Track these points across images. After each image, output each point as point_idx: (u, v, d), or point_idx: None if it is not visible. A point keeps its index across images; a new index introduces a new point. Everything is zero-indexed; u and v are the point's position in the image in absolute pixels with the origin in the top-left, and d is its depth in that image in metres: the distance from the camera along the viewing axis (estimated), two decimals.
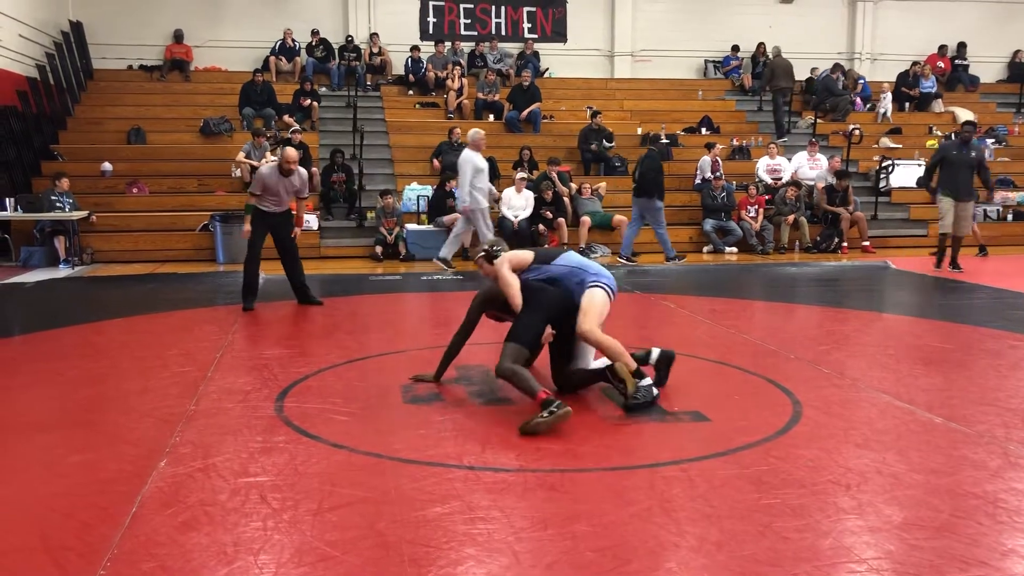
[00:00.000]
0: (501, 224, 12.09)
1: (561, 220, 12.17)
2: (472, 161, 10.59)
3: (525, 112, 15.15)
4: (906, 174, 14.53)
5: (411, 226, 12.25)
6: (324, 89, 15.74)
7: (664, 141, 13.97)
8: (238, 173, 13.10)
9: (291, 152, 7.90)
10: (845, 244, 12.90)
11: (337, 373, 5.50)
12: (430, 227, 12.25)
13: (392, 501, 3.39)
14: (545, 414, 4.17)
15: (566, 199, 12.59)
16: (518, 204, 12.20)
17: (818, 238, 13.01)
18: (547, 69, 17.33)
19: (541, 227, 12.08)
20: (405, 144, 14.53)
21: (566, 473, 3.73)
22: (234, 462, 3.82)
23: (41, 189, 11.71)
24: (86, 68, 15.66)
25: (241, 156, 12.96)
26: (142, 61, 16.05)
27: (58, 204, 11.24)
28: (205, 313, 7.83)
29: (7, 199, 11.09)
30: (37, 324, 7.41)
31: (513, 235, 12.05)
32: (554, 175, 12.65)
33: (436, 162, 13.65)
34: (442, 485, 3.56)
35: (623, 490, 3.50)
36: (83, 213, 11.50)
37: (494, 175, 13.46)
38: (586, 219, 12.30)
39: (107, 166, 13.03)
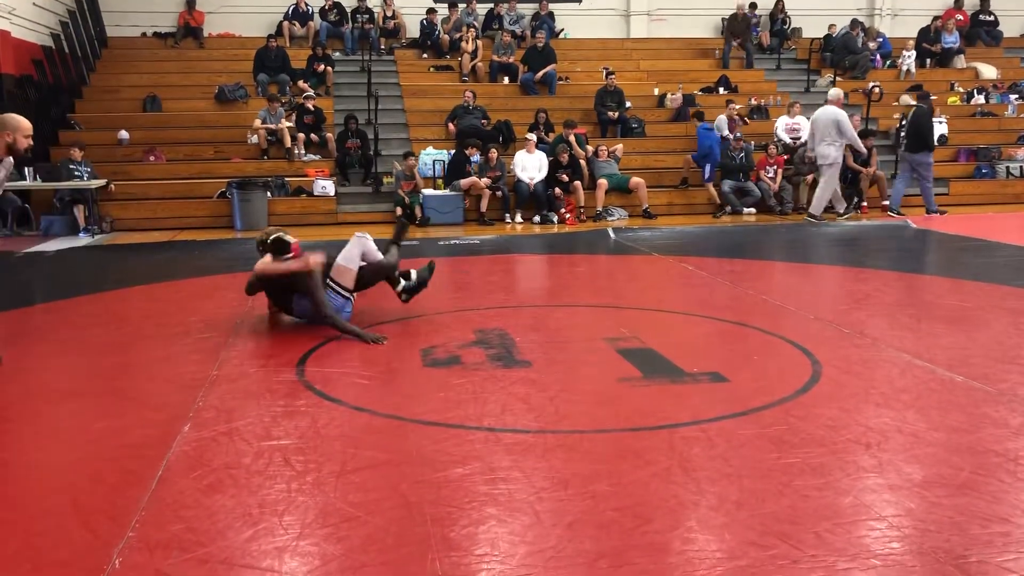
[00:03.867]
0: (516, 187, 12.06)
1: (577, 183, 12.11)
2: (834, 116, 11.42)
3: (540, 74, 15.01)
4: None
5: (428, 191, 12.22)
6: (338, 54, 15.64)
7: (933, 97, 13.76)
8: (254, 139, 13.10)
9: None
10: (864, 204, 12.77)
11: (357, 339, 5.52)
12: (447, 191, 12.22)
13: (413, 463, 3.43)
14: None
15: (582, 162, 12.51)
16: (532, 166, 12.14)
17: None
18: (562, 30, 17.13)
19: (557, 190, 12.02)
20: (420, 108, 14.46)
21: (585, 434, 3.75)
22: (257, 426, 3.87)
23: (59, 158, 11.76)
24: (100, 36, 15.63)
25: (257, 123, 12.95)
26: (156, 28, 15.99)
27: (76, 173, 11.29)
28: (224, 280, 7.87)
29: (26, 168, 11.13)
30: (60, 292, 7.48)
31: (529, 197, 12.03)
32: (571, 138, 12.57)
33: (451, 126, 13.58)
34: (462, 447, 3.59)
35: (642, 450, 3.52)
36: (101, 182, 11.55)
37: (509, 138, 13.42)
38: (603, 182, 12.23)
39: (124, 134, 13.05)
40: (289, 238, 5.59)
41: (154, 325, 6.03)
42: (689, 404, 4.13)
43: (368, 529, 2.87)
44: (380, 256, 5.94)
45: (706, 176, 12.74)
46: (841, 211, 12.11)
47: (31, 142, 4.91)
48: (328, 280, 5.62)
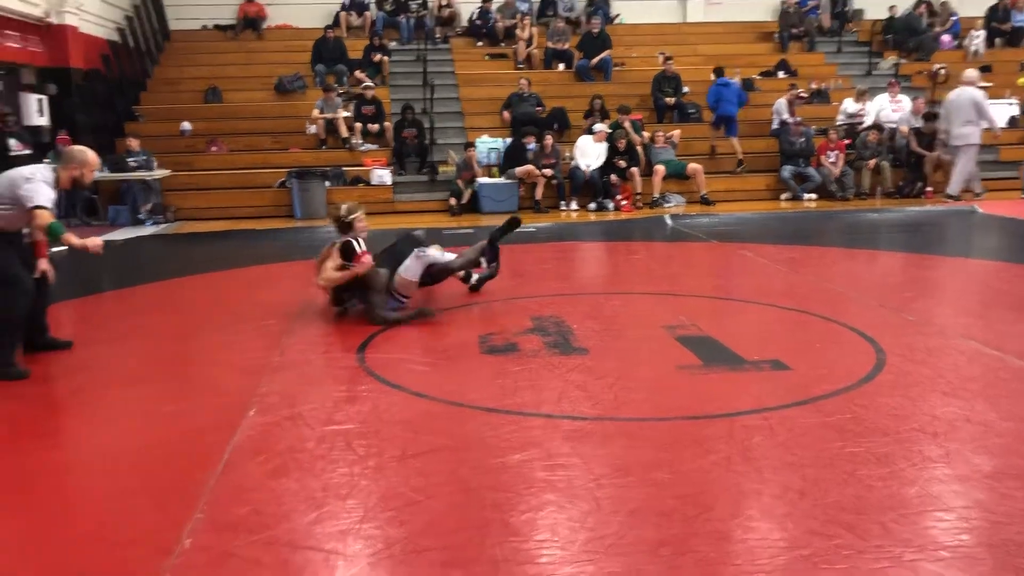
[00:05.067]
0: (573, 174, 12.01)
1: (634, 170, 12.02)
2: (971, 96, 11.49)
3: (596, 60, 14.90)
4: (995, 113, 13.86)
5: (483, 179, 12.24)
6: (394, 43, 15.72)
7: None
8: (313, 129, 13.25)
9: None
10: (929, 188, 12.44)
11: (414, 325, 5.57)
12: (502, 179, 12.22)
13: (473, 448, 3.45)
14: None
15: (639, 148, 12.41)
16: (592, 153, 12.08)
17: (901, 183, 12.59)
18: (618, 15, 16.97)
19: (614, 177, 11.95)
20: (475, 97, 14.46)
21: (644, 422, 3.73)
22: (320, 411, 3.93)
23: (124, 149, 12.04)
24: (163, 29, 15.95)
25: (315, 113, 13.10)
26: (216, 20, 16.25)
27: (133, 164, 11.52)
28: (284, 268, 8.00)
29: None
30: (126, 280, 7.68)
31: (585, 184, 11.99)
32: (627, 124, 12.47)
33: (506, 114, 13.57)
34: (521, 433, 3.60)
35: (703, 439, 3.49)
36: (165, 172, 11.81)
37: (564, 125, 13.37)
38: (660, 168, 12.11)
39: (186, 125, 13.31)
40: (357, 245, 5.59)
41: (217, 312, 6.16)
42: (750, 392, 4.09)
43: (429, 513, 2.90)
44: (444, 259, 5.91)
45: (716, 128, 12.86)
46: (978, 191, 11.93)
47: (96, 176, 4.96)
48: (392, 291, 5.69)
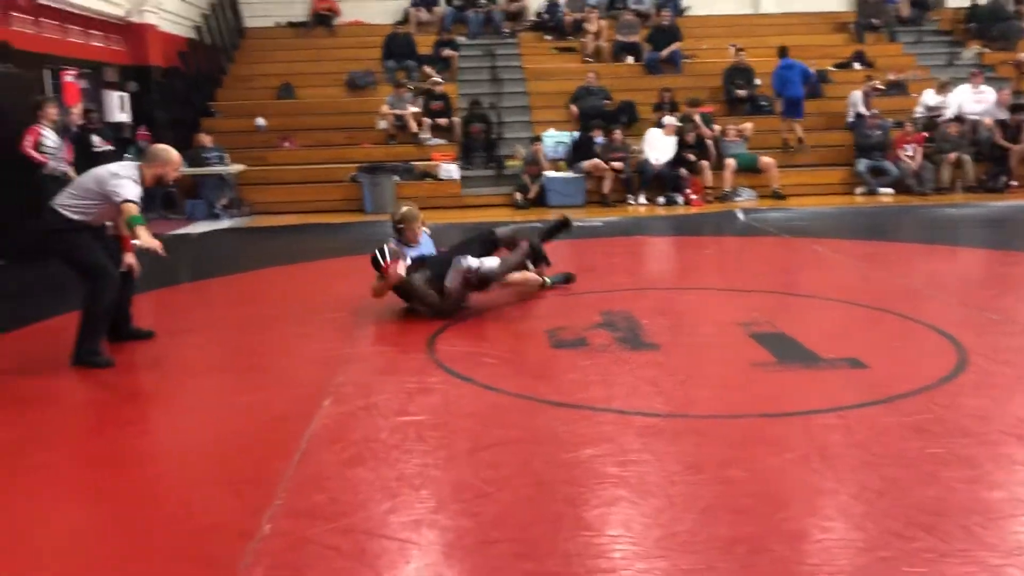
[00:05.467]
0: (642, 168, 11.93)
1: (704, 163, 11.87)
2: None
3: (665, 52, 14.73)
4: None
5: (550, 173, 12.23)
6: (462, 38, 15.81)
7: None
8: (383, 125, 13.40)
9: None
10: (1014, 183, 12.01)
11: (482, 318, 5.61)
12: (569, 173, 12.19)
13: (544, 442, 3.47)
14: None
15: (709, 141, 12.26)
16: (661, 147, 11.98)
17: (983, 177, 12.17)
18: (687, 7, 16.77)
19: (683, 171, 11.82)
20: (543, 91, 14.45)
21: (717, 419, 3.70)
22: (393, 402, 4.00)
23: (199, 145, 12.36)
24: (238, 27, 16.31)
25: (385, 108, 13.26)
26: (289, 18, 16.55)
27: (207, 160, 11.80)
28: (354, 261, 8.08)
29: None
30: (203, 272, 7.90)
31: (654, 179, 11.89)
32: (696, 117, 12.32)
33: (573, 108, 13.53)
34: (592, 428, 3.60)
35: (777, 437, 3.45)
36: (240, 167, 12.09)
37: (633, 119, 13.27)
38: (731, 161, 11.94)
39: (260, 121, 13.58)
40: (382, 257, 5.54)
41: (290, 304, 6.29)
42: (826, 390, 4.02)
43: (501, 505, 2.92)
44: (486, 266, 5.66)
45: (785, 111, 12.58)
46: None
47: (179, 174, 5.23)
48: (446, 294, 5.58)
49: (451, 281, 5.54)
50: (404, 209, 6.10)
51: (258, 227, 10.95)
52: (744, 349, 4.72)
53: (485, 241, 5.98)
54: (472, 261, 5.56)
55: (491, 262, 5.74)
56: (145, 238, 4.61)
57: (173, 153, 5.03)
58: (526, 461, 3.27)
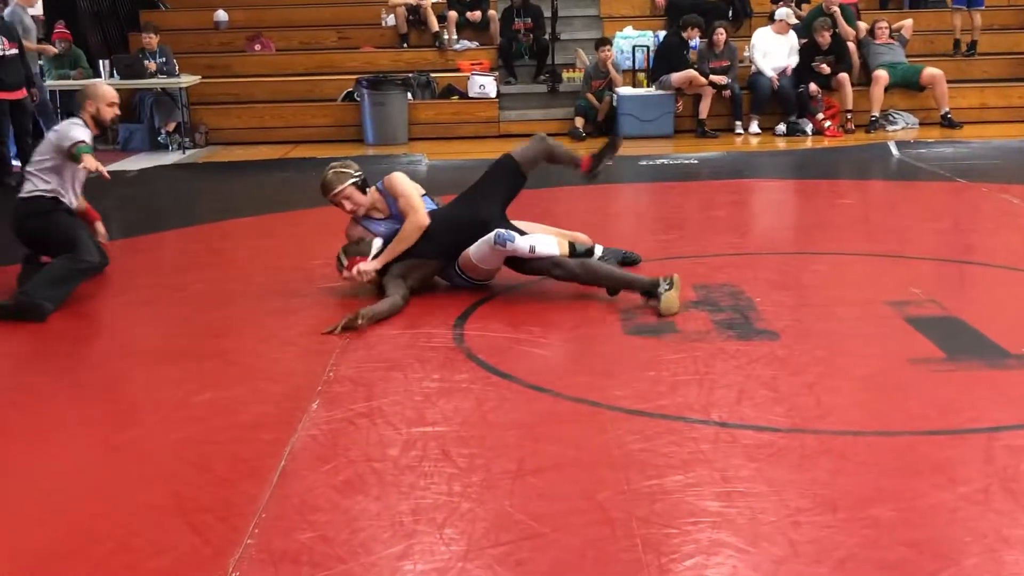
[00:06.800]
0: (755, 83, 11.83)
1: (843, 76, 11.75)
2: None
3: None
4: None
5: (624, 90, 12.17)
6: None
7: None
8: (391, 20, 13.43)
9: None
10: None
11: (531, 291, 5.63)
12: (651, 90, 12.13)
13: (615, 464, 3.48)
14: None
15: (851, 45, 12.12)
16: (779, 52, 11.86)
17: None
18: None
19: (813, 86, 11.71)
20: None
21: (861, 436, 3.69)
22: (406, 406, 4.03)
23: (139, 47, 12.45)
24: None
25: None
26: None
27: (146, 66, 11.84)
28: None
29: (100, 62, 11.84)
30: (146, 225, 8.00)
31: (772, 98, 11.79)
32: (835, 8, 12.18)
33: None
34: (683, 446, 3.61)
35: (947, 463, 3.44)
36: (193, 79, 12.16)
37: (743, 13, 13.16)
38: (881, 74, 11.80)
39: (221, 15, 13.68)
40: (341, 260, 5.57)
41: (266, 269, 6.36)
42: (1017, 399, 4.00)
43: (557, 551, 2.94)
44: (546, 251, 5.31)
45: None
46: None
47: (117, 111, 6.11)
48: (456, 268, 5.56)
49: (478, 259, 5.41)
50: (325, 176, 5.87)
51: (218, 162, 11.07)
52: (899, 339, 4.70)
53: (511, 180, 5.74)
54: (520, 242, 5.26)
55: (547, 244, 5.37)
56: (89, 161, 5.46)
57: (101, 87, 6.11)
58: (590, 491, 3.29)
